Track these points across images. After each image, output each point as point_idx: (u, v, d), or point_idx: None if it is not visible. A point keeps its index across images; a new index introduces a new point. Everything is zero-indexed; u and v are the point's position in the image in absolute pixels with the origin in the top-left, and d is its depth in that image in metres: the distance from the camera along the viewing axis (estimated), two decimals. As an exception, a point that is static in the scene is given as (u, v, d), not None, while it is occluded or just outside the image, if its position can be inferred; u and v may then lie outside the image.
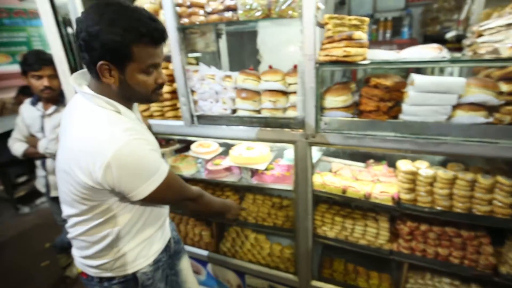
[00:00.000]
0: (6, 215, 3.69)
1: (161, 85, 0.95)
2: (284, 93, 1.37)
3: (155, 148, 0.95)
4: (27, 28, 4.64)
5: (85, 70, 0.96)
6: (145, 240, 1.06)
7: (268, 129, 1.41)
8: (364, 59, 1.13)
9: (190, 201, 1.08)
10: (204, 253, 2.01)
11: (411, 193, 1.35)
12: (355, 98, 1.28)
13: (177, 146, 2.02)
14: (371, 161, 1.68)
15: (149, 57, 0.86)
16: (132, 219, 0.99)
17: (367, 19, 1.20)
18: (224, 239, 1.99)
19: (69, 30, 1.75)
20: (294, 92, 1.34)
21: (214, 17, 1.34)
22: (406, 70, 1.51)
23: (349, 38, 1.08)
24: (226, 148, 1.92)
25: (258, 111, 1.44)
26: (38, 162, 2.03)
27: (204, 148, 1.82)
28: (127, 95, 0.92)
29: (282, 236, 1.82)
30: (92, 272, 1.03)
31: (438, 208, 1.30)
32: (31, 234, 3.27)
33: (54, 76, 1.80)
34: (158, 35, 0.85)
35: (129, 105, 0.98)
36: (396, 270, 1.68)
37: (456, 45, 1.64)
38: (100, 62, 0.83)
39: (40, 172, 2.05)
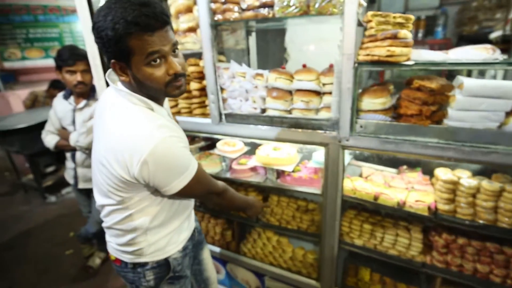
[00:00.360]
0: (34, 203, 3.86)
1: (175, 76, 0.88)
2: (318, 94, 1.32)
3: (186, 145, 0.95)
4: (60, 25, 4.83)
5: None
6: (175, 229, 1.11)
7: (299, 130, 1.36)
8: (408, 60, 1.06)
9: (216, 195, 1.11)
10: (224, 252, 2.00)
11: (450, 203, 1.26)
12: (393, 100, 1.21)
13: (202, 143, 2.02)
14: (404, 167, 1.60)
15: (147, 47, 0.80)
16: (163, 210, 1.03)
17: (412, 17, 1.13)
18: (245, 240, 1.97)
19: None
20: (329, 93, 1.29)
21: (249, 13, 1.31)
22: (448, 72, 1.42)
23: (394, 37, 1.02)
24: (251, 148, 1.90)
25: (289, 111, 1.40)
26: (68, 154, 2.09)
27: (229, 146, 1.80)
28: (144, 91, 0.90)
29: (306, 240, 1.77)
30: (127, 258, 1.07)
31: (481, 221, 1.21)
32: (57, 222, 3.39)
33: (87, 71, 1.84)
34: (147, 20, 0.77)
35: (159, 102, 0.97)
36: (426, 283, 1.59)
37: (501, 46, 1.53)
38: (112, 61, 0.83)
39: (69, 164, 2.11)
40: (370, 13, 1.13)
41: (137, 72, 0.84)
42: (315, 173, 1.61)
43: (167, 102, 1.08)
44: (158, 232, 1.06)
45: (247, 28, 1.81)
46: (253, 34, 1.89)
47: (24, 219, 3.51)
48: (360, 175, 1.58)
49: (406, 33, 1.03)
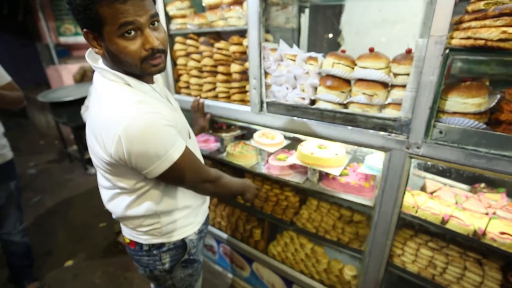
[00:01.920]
0: (77, 172, 4.08)
1: (152, 53, 0.79)
2: (385, 86, 1.06)
3: (172, 123, 0.84)
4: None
5: None
6: (191, 211, 1.08)
7: (356, 129, 1.13)
8: (527, 47, 0.76)
9: (209, 183, 1.02)
10: (252, 250, 1.86)
11: (553, 243, 0.96)
12: (492, 102, 0.91)
13: (238, 132, 1.85)
14: (482, 185, 1.29)
15: (119, 15, 0.71)
16: (168, 193, 0.98)
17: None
18: (275, 241, 1.80)
19: None
20: (401, 86, 1.03)
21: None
22: None
23: (515, 13, 0.72)
24: (291, 142, 1.69)
25: (345, 105, 1.16)
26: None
27: (268, 139, 1.62)
28: (118, 66, 0.82)
29: (345, 254, 1.55)
30: (142, 239, 1.03)
31: None
32: (95, 194, 3.53)
33: None
34: None
35: (143, 78, 0.88)
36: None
37: None
38: (84, 30, 0.76)
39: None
40: (478, -20, 0.83)
41: (109, 44, 0.76)
42: (365, 180, 1.37)
43: (160, 79, 1.00)
44: (173, 214, 1.02)
45: (300, 3, 1.56)
46: (306, 11, 1.63)
47: (67, 187, 3.73)
48: (423, 189, 1.31)
49: (534, 9, 0.73)
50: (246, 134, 1.98)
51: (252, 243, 1.88)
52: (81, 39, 4.86)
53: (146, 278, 1.20)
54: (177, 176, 0.88)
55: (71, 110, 3.65)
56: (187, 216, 1.07)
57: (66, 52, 4.96)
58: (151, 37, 0.77)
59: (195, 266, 1.17)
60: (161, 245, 1.05)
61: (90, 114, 0.86)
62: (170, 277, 1.12)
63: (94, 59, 0.88)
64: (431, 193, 1.26)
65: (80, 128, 3.90)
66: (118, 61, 0.80)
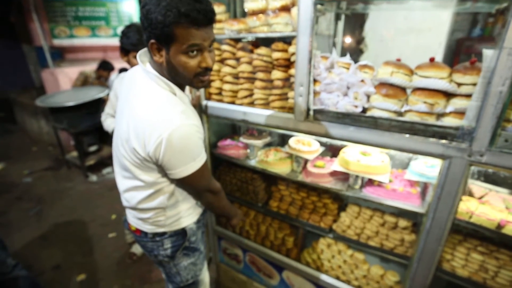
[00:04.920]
0: (76, 180, 3.92)
1: (205, 70, 0.96)
2: (446, 95, 1.08)
3: (202, 135, 1.01)
4: (108, 4, 4.78)
5: (146, 49, 1.01)
6: (192, 205, 1.22)
7: (414, 137, 1.13)
8: None
9: (212, 193, 1.18)
10: (284, 259, 1.84)
11: None
12: (561, 111, 0.94)
13: (269, 139, 1.83)
14: (526, 190, 1.33)
15: (190, 38, 0.86)
16: (178, 188, 1.12)
17: None
18: (310, 248, 1.79)
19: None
20: (464, 95, 1.04)
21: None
22: None
23: None
24: (325, 149, 1.69)
25: (401, 114, 1.17)
26: (125, 139, 1.99)
27: (304, 146, 1.61)
28: (172, 76, 0.97)
29: (385, 260, 1.56)
30: (146, 228, 1.17)
31: None
32: (99, 202, 3.40)
33: None
34: (198, 16, 0.83)
35: (182, 88, 1.04)
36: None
37: None
38: (151, 41, 0.89)
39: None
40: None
41: (173, 57, 0.90)
42: (411, 187, 1.38)
43: (187, 89, 1.13)
44: (176, 207, 1.16)
45: (337, 10, 1.56)
46: (342, 18, 1.64)
47: (67, 195, 3.56)
48: (470, 195, 1.33)
49: None
50: (275, 141, 1.96)
51: (283, 251, 1.86)
52: (76, 42, 4.70)
53: (154, 262, 1.33)
54: (193, 181, 1.03)
55: (73, 115, 3.52)
56: (188, 209, 1.20)
57: (59, 55, 4.77)
58: (208, 58, 0.93)
59: (196, 254, 1.30)
60: (163, 233, 1.18)
61: (134, 113, 0.95)
62: (173, 264, 1.26)
63: (142, 62, 1.02)
64: (479, 198, 1.29)
65: (81, 134, 3.75)
66: (174, 72, 0.94)
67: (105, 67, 4.12)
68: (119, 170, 1.13)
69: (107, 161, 4.19)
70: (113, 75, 4.11)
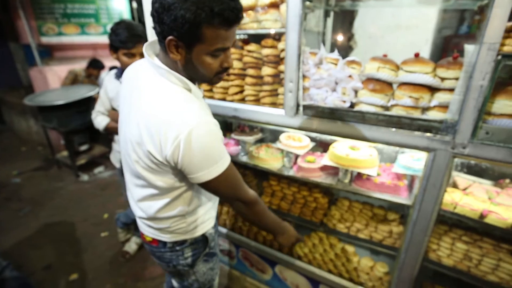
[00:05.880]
0: (67, 180, 3.87)
1: (225, 69, 0.89)
2: (431, 89, 1.11)
3: (222, 135, 0.90)
4: (97, 1, 4.71)
5: (155, 40, 0.92)
6: (210, 207, 1.16)
7: (400, 130, 1.17)
8: None
9: (242, 203, 1.01)
10: (277, 253, 1.86)
11: None
12: (537, 104, 0.98)
13: (260, 135, 1.85)
14: (507, 181, 1.38)
15: (220, 41, 0.80)
16: (198, 193, 1.06)
17: None
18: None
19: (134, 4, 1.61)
20: (446, 90, 1.08)
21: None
22: None
23: None
24: (316, 144, 1.72)
25: (387, 108, 1.20)
26: (116, 137, 1.98)
27: (295, 141, 1.63)
28: (190, 74, 0.89)
29: (376, 252, 1.60)
30: (166, 237, 1.08)
31: None
32: (91, 202, 3.37)
33: None
34: (233, 16, 0.76)
35: (194, 83, 0.95)
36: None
37: None
38: (169, 38, 0.78)
39: (117, 147, 2.00)
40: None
41: (196, 57, 0.82)
42: (399, 180, 1.42)
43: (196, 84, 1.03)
44: (197, 213, 1.09)
45: (326, 7, 1.58)
46: (331, 15, 1.66)
47: (58, 195, 3.52)
48: (454, 186, 1.38)
49: None
50: (266, 137, 1.98)
51: (276, 245, 1.88)
52: (65, 39, 4.62)
53: (169, 273, 1.25)
54: (216, 186, 0.92)
55: (63, 114, 3.47)
56: (207, 212, 1.14)
57: (47, 53, 4.69)
58: (230, 58, 0.88)
59: (214, 259, 1.25)
60: (184, 241, 1.10)
61: (144, 112, 0.85)
62: (193, 271, 1.18)
63: (148, 55, 0.91)
64: (464, 189, 1.33)
65: (71, 133, 3.70)
66: (193, 70, 0.86)
67: (95, 66, 4.07)
68: (130, 178, 1.03)
69: (99, 160, 4.15)
70: (104, 73, 4.06)
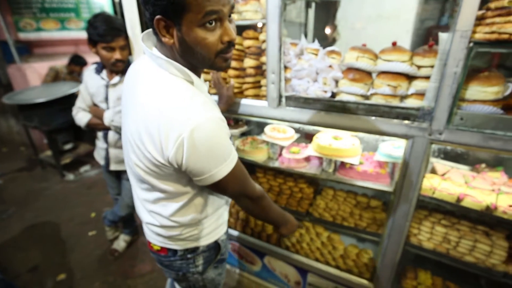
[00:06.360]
0: (52, 180, 3.78)
1: (228, 46, 0.75)
2: (408, 77, 1.13)
3: (228, 131, 0.80)
4: (77, -6, 4.56)
5: (150, 30, 0.84)
6: (223, 211, 1.09)
7: (380, 119, 1.19)
8: (542, 40, 0.87)
9: (249, 199, 0.95)
10: (264, 244, 1.88)
11: (554, 211, 1.10)
12: (509, 90, 1.02)
13: (245, 128, 1.85)
14: (483, 165, 1.43)
15: (206, 3, 0.66)
16: (213, 197, 0.99)
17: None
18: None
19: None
20: (423, 77, 1.10)
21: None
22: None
23: (537, 10, 0.82)
24: (300, 135, 1.73)
25: (367, 97, 1.22)
26: (99, 134, 1.94)
27: (280, 133, 1.64)
28: (187, 59, 0.78)
29: (361, 239, 1.64)
30: (177, 245, 1.01)
31: None
32: (77, 202, 3.31)
33: (125, 46, 1.65)
34: None
35: (197, 74, 0.84)
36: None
37: None
38: (157, 17, 0.69)
39: (101, 144, 1.96)
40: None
41: (187, 33, 0.71)
42: (380, 167, 1.45)
43: (202, 76, 0.94)
44: (211, 218, 1.02)
45: (307, -2, 1.59)
46: (313, 5, 1.67)
47: (43, 196, 3.44)
48: (433, 172, 1.42)
49: (552, 6, 0.83)
50: (252, 129, 1.98)
51: (264, 237, 1.90)
52: (44, 35, 4.47)
53: (175, 280, 1.18)
54: (225, 186, 0.84)
55: (44, 112, 3.37)
56: (219, 217, 1.07)
57: (26, 50, 4.53)
58: (230, 29, 0.73)
59: (223, 265, 1.19)
60: (195, 248, 1.03)
61: (142, 110, 0.76)
62: (201, 278, 1.12)
63: (147, 46, 0.82)
64: (442, 175, 1.37)
65: (54, 132, 3.61)
66: (190, 53, 0.75)
67: (77, 62, 3.96)
68: (135, 182, 0.96)
69: (84, 159, 4.06)
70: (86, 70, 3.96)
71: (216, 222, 1.05)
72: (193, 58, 0.77)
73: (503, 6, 0.88)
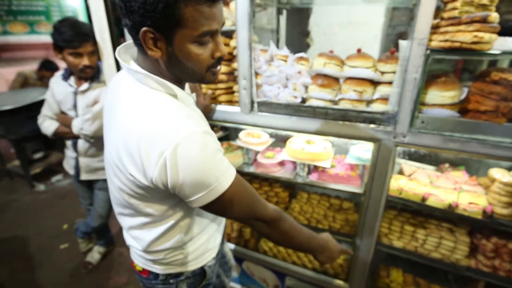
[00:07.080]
0: (22, 191, 3.58)
1: (218, 60, 0.73)
2: (373, 83, 1.18)
3: (219, 146, 0.72)
4: (46, -3, 4.39)
5: (129, 42, 0.78)
6: (212, 234, 1.00)
7: (347, 123, 1.22)
8: (490, 48, 0.93)
9: (262, 222, 0.83)
10: (242, 250, 1.87)
11: (509, 207, 1.17)
12: (464, 94, 1.08)
13: (221, 134, 1.85)
14: (447, 165, 1.50)
15: (204, 21, 0.63)
16: (199, 217, 0.92)
17: (496, -2, 0.99)
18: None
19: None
20: (386, 83, 1.15)
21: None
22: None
23: (483, 21, 0.88)
24: (276, 140, 1.75)
25: (336, 102, 1.25)
26: (68, 142, 1.87)
27: (254, 138, 1.64)
28: (176, 73, 0.73)
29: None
30: (159, 269, 0.94)
31: (541, 227, 1.14)
32: (48, 213, 3.15)
33: (94, 52, 1.60)
34: None
35: (181, 87, 0.79)
36: (464, 285, 1.53)
37: None
38: (143, 29, 0.63)
39: (70, 153, 1.89)
40: (454, -9, 0.97)
41: (179, 48, 0.66)
42: (352, 170, 1.49)
43: (188, 88, 0.91)
44: (196, 242, 0.94)
45: (278, 4, 1.61)
46: (284, 13, 1.69)
47: (11, 208, 3.25)
48: (401, 173, 1.47)
49: (496, 17, 0.89)
50: (229, 135, 1.98)
51: (242, 242, 1.89)
52: (11, 39, 4.25)
53: None
54: (223, 208, 0.74)
55: (11, 120, 3.19)
56: (209, 239, 0.98)
57: (-10, 55, 4.29)
58: (222, 45, 0.72)
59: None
60: (179, 274, 0.96)
61: (120, 128, 0.71)
62: None
63: (124, 60, 0.76)
64: (409, 176, 1.43)
65: (22, 140, 3.43)
66: (179, 68, 0.71)
67: (48, 67, 3.79)
68: (116, 208, 0.89)
69: (57, 168, 3.88)
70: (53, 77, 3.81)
71: (204, 245, 0.96)
72: (182, 73, 0.72)
73: (454, 16, 0.94)
